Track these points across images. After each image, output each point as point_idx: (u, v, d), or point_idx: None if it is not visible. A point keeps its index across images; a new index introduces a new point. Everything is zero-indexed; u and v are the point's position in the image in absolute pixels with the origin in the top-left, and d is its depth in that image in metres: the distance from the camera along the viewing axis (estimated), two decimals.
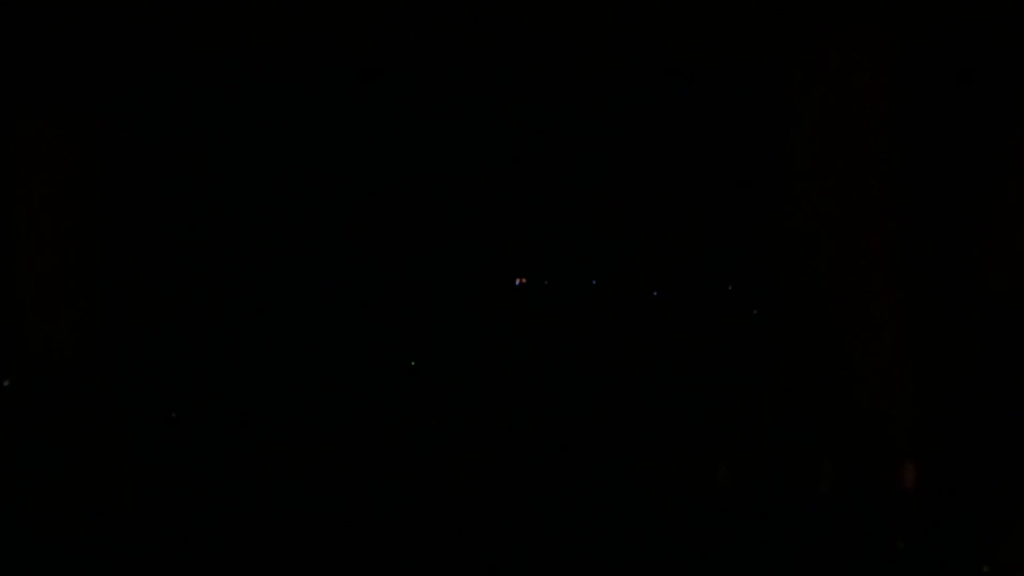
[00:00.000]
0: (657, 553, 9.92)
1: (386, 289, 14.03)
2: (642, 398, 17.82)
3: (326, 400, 12.18)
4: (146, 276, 22.54)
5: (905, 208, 15.00)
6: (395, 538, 9.78)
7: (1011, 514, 11.20)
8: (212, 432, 10.73)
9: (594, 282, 14.60)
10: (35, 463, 11.92)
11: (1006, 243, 13.78)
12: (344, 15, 17.08)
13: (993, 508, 11.32)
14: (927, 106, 14.43)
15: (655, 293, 17.67)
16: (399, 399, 12.49)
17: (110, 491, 10.20)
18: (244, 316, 14.71)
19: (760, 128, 19.73)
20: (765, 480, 11.82)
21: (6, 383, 20.63)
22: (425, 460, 11.20)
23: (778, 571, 10.08)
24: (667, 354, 15.81)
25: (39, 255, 19.91)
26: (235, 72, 16.60)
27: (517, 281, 14.22)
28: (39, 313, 20.38)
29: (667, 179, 20.56)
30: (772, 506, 10.88)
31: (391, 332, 12.98)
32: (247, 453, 10.67)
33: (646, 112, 20.75)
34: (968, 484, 12.00)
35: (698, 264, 26.28)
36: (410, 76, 16.90)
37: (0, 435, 13.18)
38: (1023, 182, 13.69)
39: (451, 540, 9.85)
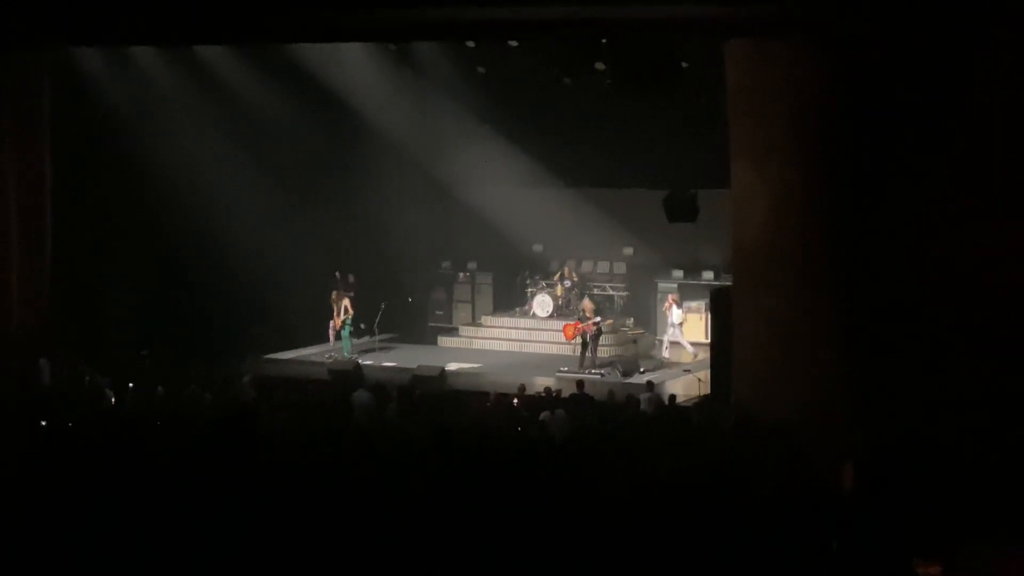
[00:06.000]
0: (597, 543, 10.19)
1: None
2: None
3: None
4: None
5: (845, 217, 15.47)
6: None
7: (945, 513, 11.51)
8: None
9: None
10: None
11: (945, 257, 14.28)
12: None
13: (928, 507, 11.61)
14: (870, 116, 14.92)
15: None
16: None
17: None
18: None
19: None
20: (708, 480, 12.06)
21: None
22: None
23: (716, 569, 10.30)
24: None
25: None
26: None
27: None
28: None
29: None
30: (715, 505, 11.14)
31: None
32: None
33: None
34: (903, 484, 12.30)
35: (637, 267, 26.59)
36: None
37: None
38: (955, 192, 14.23)
39: None
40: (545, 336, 25.91)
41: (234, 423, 13.52)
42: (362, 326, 25.28)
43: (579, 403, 17.99)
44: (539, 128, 24.61)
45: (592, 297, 25.51)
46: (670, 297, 24.83)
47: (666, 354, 24.18)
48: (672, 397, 18.57)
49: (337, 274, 25.58)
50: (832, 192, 15.61)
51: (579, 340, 23.76)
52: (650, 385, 19.40)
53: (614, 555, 10.23)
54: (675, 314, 24.42)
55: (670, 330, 24.49)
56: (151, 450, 12.93)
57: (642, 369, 23.13)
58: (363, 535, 10.42)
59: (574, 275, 26.87)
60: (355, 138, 25.33)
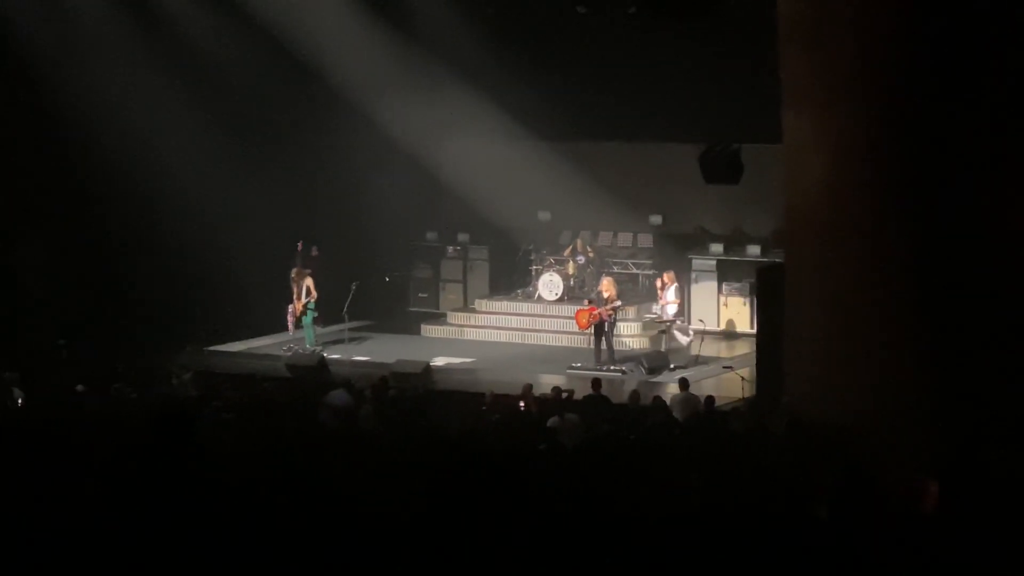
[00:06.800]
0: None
1: None
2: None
3: None
4: None
5: (923, 177, 15.42)
6: None
7: None
8: None
9: None
10: None
11: None
12: None
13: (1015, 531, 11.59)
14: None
15: None
16: None
17: None
18: None
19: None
20: (753, 500, 12.03)
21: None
22: None
23: None
24: None
25: None
26: None
27: None
28: None
29: None
30: (762, 531, 11.11)
31: None
32: None
33: None
34: (996, 506, 12.27)
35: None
36: None
37: None
38: None
39: None
40: (553, 324, 25.87)
41: (170, 428, 13.45)
42: (316, 313, 25.19)
43: (595, 406, 17.96)
44: (547, 68, 24.52)
45: (612, 274, 25.44)
46: (664, 277, 24.65)
47: (687, 336, 24.06)
48: (709, 399, 18.53)
49: (299, 245, 25.54)
50: (907, 146, 15.51)
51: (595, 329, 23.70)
52: (684, 384, 19.35)
53: None
54: (671, 295, 24.22)
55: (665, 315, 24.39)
56: (66, 462, 12.87)
57: (672, 365, 23.09)
58: (329, 565, 10.39)
59: (589, 249, 26.82)
60: (319, 81, 25.23)
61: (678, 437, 16.46)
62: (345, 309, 25.03)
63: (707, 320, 25.32)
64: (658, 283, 24.75)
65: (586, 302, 24.20)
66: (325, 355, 23.58)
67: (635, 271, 27.10)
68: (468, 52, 24.39)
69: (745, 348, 23.80)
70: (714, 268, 26.02)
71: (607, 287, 23.77)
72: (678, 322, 24.35)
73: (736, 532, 11.18)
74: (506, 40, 24.19)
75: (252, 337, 25.63)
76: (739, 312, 25.64)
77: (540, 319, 26.24)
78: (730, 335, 25.18)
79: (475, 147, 27.16)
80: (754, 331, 21.83)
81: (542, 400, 18.52)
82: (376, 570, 10.33)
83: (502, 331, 26.32)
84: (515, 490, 12.17)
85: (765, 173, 18.96)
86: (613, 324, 23.59)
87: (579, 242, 26.94)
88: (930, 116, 15.25)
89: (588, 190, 26.67)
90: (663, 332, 24.56)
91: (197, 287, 24.33)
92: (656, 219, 27.41)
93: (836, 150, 16.02)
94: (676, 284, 24.32)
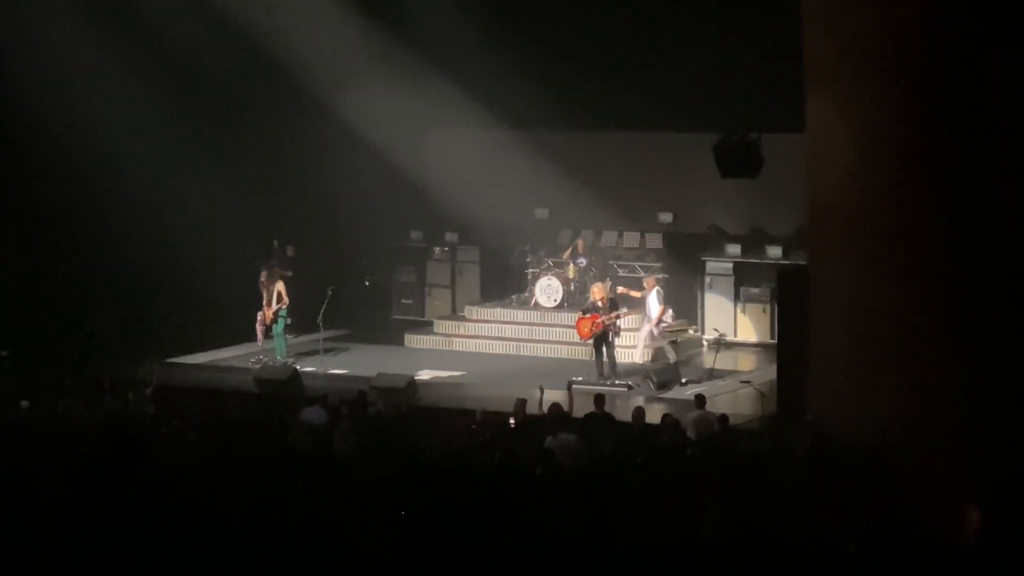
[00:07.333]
0: None
1: None
2: None
3: None
4: None
5: (959, 171, 15.42)
6: None
7: None
8: None
9: None
10: None
11: None
12: None
13: None
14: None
15: None
16: None
17: None
18: None
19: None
20: (775, 528, 12.05)
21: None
22: None
23: None
24: None
25: None
26: None
27: None
28: None
29: None
30: (785, 562, 11.11)
31: None
32: None
33: None
34: None
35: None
36: None
37: None
38: None
39: None
40: (552, 334, 25.83)
41: (124, 449, 13.47)
42: (289, 321, 25.09)
43: (597, 425, 17.91)
44: (545, 48, 24.50)
45: (610, 278, 25.38)
46: (643, 282, 24.71)
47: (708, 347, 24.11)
48: (723, 417, 18.48)
49: (275, 243, 25.52)
50: (941, 134, 15.52)
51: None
52: (700, 401, 19.26)
53: None
54: (652, 304, 24.19)
55: (646, 326, 24.39)
56: (8, 487, 12.86)
57: (684, 380, 23.03)
58: None
59: (592, 253, 26.75)
60: (291, 66, 25.17)
61: (690, 459, 16.41)
62: (320, 316, 24.95)
63: (723, 329, 25.26)
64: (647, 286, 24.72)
65: (580, 313, 24.09)
66: (298, 368, 23.51)
67: (642, 275, 27.03)
68: (457, 33, 24.38)
69: (754, 360, 23.86)
70: (730, 271, 25.94)
71: (597, 292, 23.67)
72: (655, 332, 24.34)
73: (755, 565, 11.18)
74: (499, 20, 24.16)
75: (217, 348, 25.57)
76: (758, 321, 25.57)
77: (537, 328, 26.19)
78: (719, 344, 25.05)
79: (464, 137, 27.13)
80: (774, 341, 21.76)
81: (539, 418, 18.48)
82: None
83: (495, 341, 26.27)
84: (508, 518, 12.15)
85: (787, 165, 18.91)
86: (617, 334, 23.51)
87: (580, 242, 26.87)
88: (966, 102, 15.24)
89: (590, 185, 26.66)
90: (674, 343, 24.49)
91: (156, 292, 24.30)
92: (666, 217, 27.36)
93: (864, 139, 16.01)
94: (657, 288, 24.29)
